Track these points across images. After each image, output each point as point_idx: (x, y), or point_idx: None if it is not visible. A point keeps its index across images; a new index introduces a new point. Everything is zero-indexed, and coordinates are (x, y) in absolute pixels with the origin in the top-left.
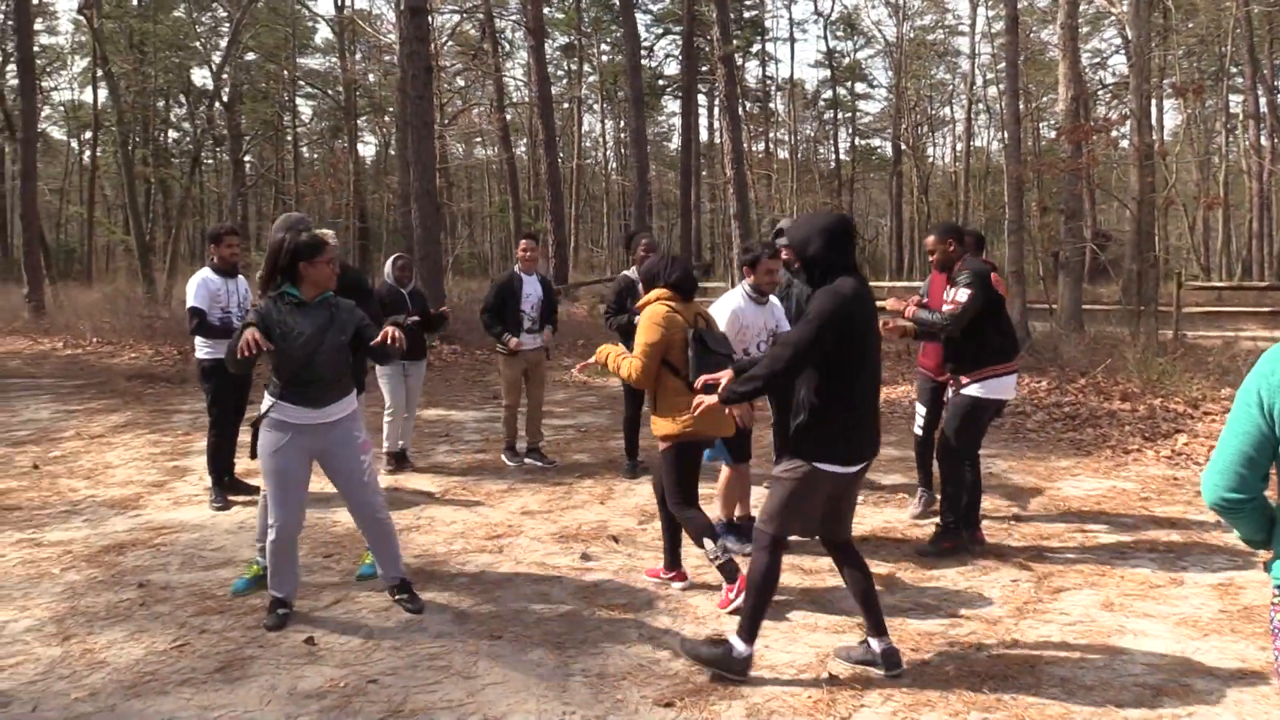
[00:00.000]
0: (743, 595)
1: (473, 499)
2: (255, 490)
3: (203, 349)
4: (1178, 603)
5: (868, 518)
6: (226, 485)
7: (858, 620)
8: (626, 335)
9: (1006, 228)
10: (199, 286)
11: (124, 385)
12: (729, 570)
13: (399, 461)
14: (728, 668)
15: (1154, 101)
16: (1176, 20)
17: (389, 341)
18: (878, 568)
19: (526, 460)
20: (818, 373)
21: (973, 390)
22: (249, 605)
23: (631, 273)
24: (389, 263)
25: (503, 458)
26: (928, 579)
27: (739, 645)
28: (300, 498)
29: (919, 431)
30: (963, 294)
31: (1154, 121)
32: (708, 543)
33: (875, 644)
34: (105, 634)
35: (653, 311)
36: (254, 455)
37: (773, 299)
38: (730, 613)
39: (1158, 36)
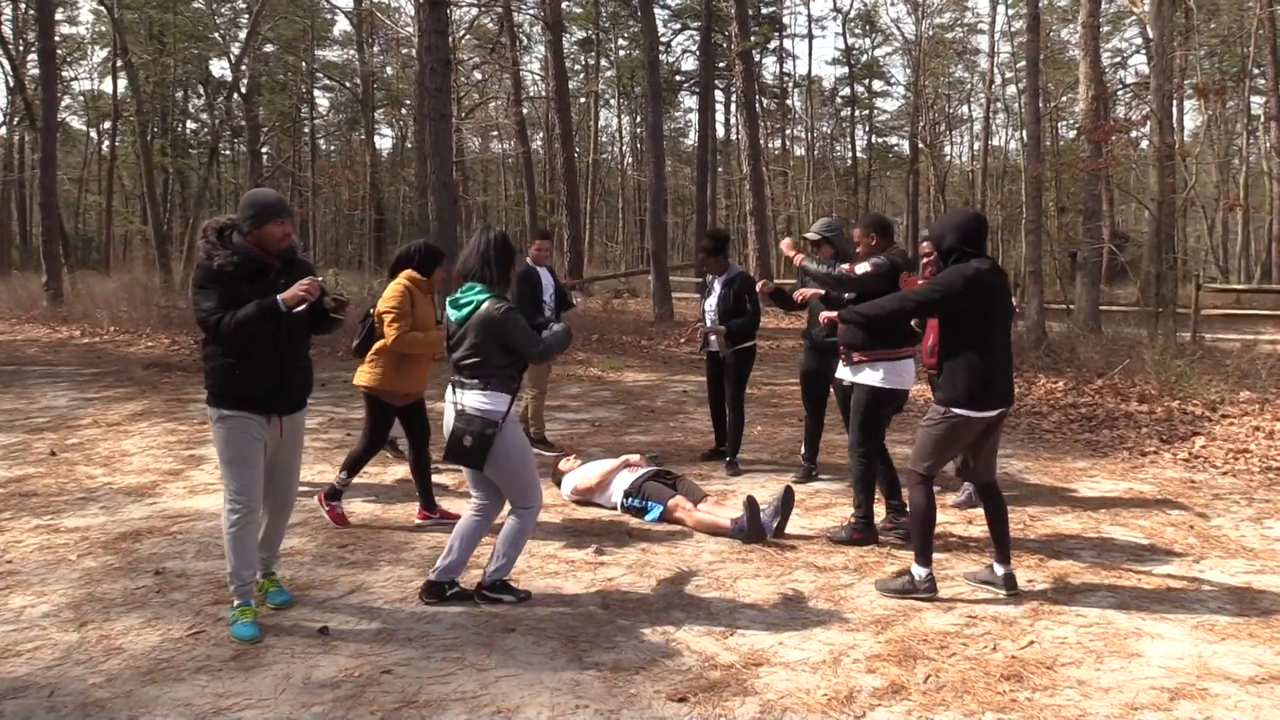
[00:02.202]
0: (911, 530)
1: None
2: None
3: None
4: (1195, 606)
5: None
6: None
7: (873, 617)
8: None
9: (1024, 227)
10: None
11: (141, 374)
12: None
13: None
14: (918, 591)
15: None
16: (1198, 20)
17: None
18: (893, 565)
19: (535, 449)
20: (954, 334)
21: (869, 379)
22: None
23: (708, 277)
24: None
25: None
26: (942, 577)
27: (919, 571)
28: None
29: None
30: (865, 265)
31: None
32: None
33: (999, 569)
34: (122, 620)
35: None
36: (481, 466)
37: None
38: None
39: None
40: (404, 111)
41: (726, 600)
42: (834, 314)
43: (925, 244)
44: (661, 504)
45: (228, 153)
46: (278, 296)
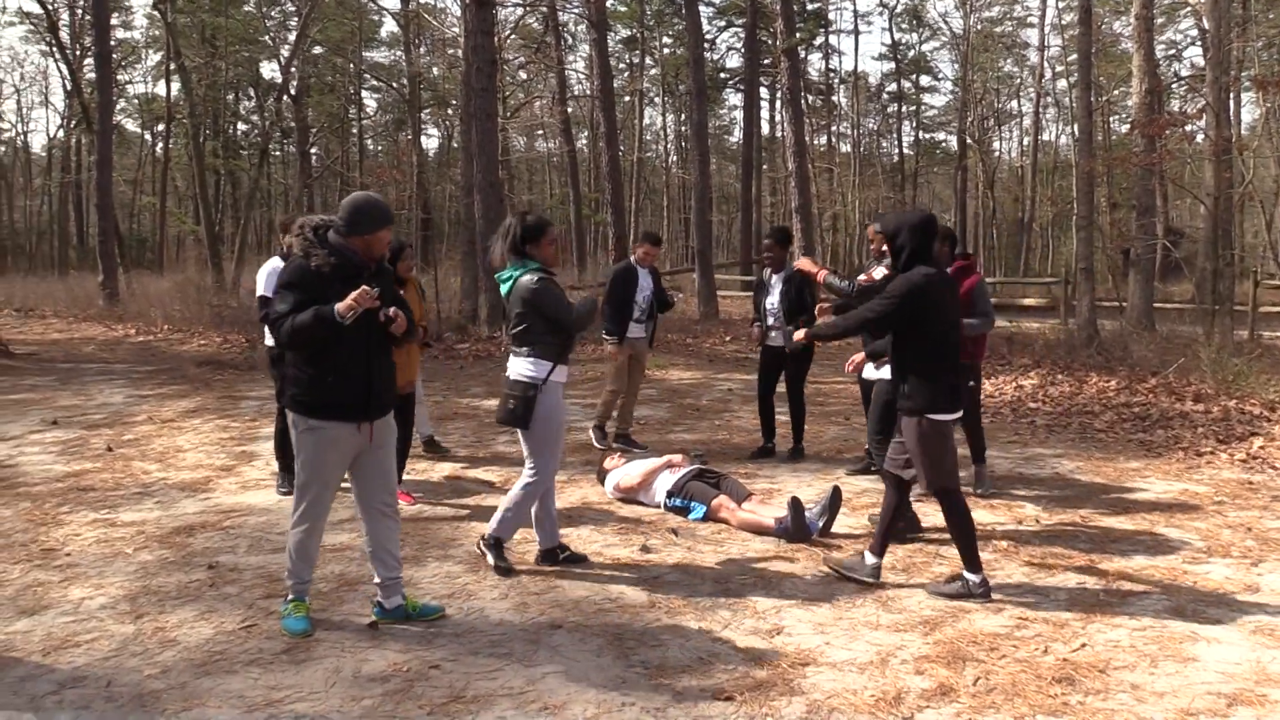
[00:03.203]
0: (956, 541)
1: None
2: None
3: (271, 337)
4: (1253, 610)
5: (931, 515)
6: (293, 470)
7: (921, 617)
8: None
9: (1075, 223)
10: (269, 276)
11: (194, 371)
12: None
13: (429, 448)
14: (973, 595)
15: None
16: (1256, 10)
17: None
18: (941, 566)
19: (615, 445)
20: (911, 342)
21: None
22: (314, 589)
23: (765, 274)
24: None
25: (590, 435)
26: (990, 578)
27: (972, 577)
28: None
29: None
30: (881, 269)
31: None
32: None
33: (971, 576)
34: (176, 613)
35: None
36: (525, 425)
37: None
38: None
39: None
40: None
41: (773, 599)
42: (802, 333)
43: (871, 229)
44: (705, 504)
45: (277, 153)
46: (334, 306)
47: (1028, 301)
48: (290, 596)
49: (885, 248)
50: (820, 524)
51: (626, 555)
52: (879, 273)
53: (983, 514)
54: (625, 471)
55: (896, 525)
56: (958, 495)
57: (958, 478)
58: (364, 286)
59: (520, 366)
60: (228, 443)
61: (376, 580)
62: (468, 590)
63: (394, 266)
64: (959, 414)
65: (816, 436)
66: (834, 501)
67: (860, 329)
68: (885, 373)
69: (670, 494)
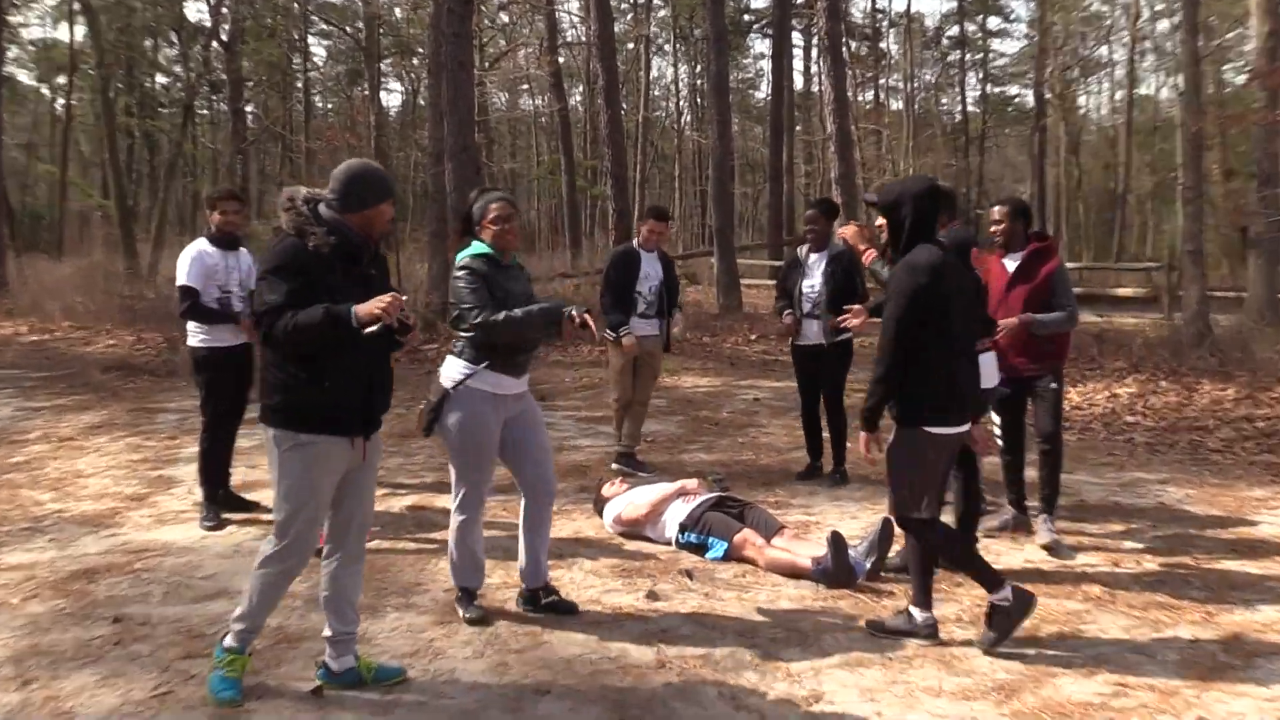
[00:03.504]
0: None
1: (516, 521)
2: (254, 506)
3: (196, 335)
4: None
5: (1003, 555)
6: (221, 500)
7: (994, 682)
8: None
9: (1180, 196)
10: (193, 261)
11: (100, 378)
12: None
13: None
14: (915, 633)
15: None
16: None
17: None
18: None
19: (615, 466)
20: (917, 338)
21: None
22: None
23: (801, 251)
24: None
25: (614, 467)
26: (1081, 633)
27: (919, 613)
28: (490, 477)
29: (999, 443)
30: None
31: None
32: None
33: (917, 614)
34: (73, 678)
35: None
36: (428, 433)
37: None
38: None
39: None
40: (416, 62)
41: (810, 658)
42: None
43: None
44: (726, 539)
45: (205, 112)
46: (352, 309)
47: (1123, 291)
48: (228, 643)
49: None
50: (867, 564)
51: (629, 603)
52: None
53: (1071, 550)
54: (629, 500)
55: (933, 566)
56: (933, 530)
57: (938, 508)
58: (394, 293)
59: (446, 366)
60: (140, 466)
61: (327, 634)
62: (435, 647)
63: None
64: (965, 429)
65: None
66: (884, 536)
67: (895, 366)
68: None
69: (683, 528)
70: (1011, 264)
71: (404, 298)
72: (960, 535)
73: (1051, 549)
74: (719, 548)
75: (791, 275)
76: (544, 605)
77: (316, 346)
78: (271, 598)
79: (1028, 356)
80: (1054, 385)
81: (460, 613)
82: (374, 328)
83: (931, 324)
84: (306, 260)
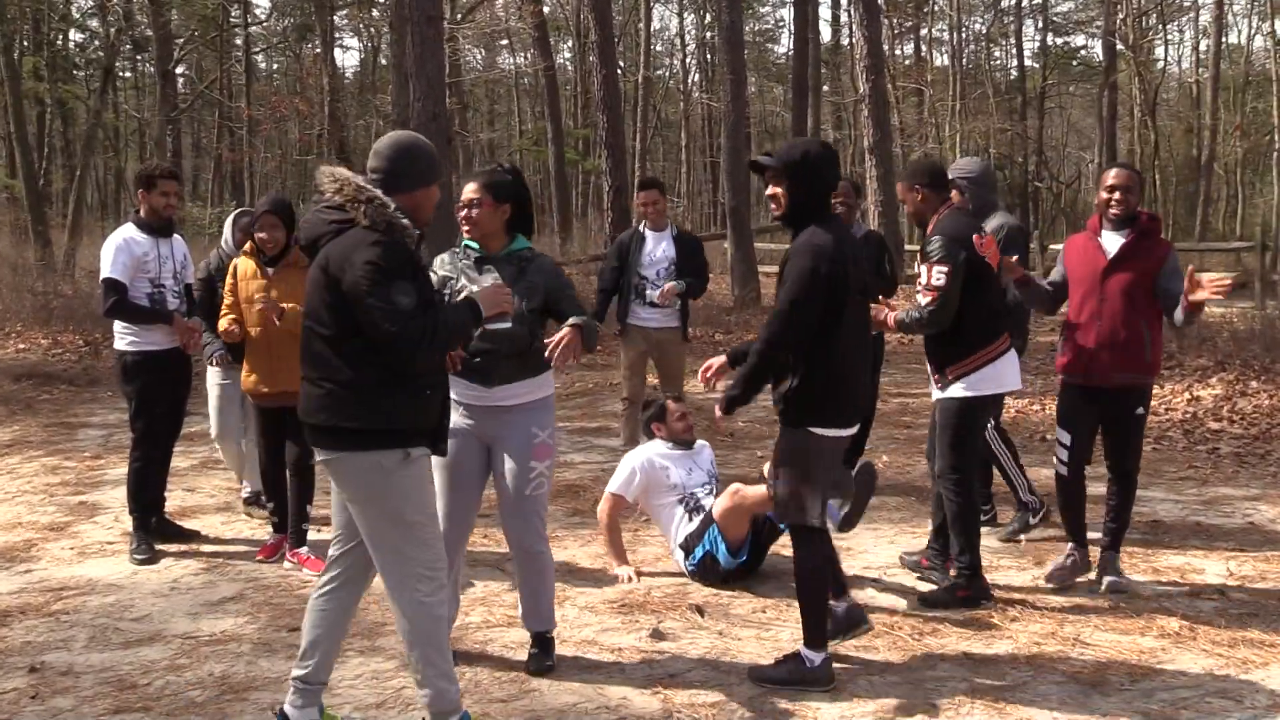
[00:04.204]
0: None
1: (499, 551)
2: (193, 536)
3: (125, 338)
4: None
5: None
6: (154, 529)
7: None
8: None
9: (1276, 163)
10: (118, 250)
11: (9, 389)
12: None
13: (249, 504)
14: (805, 681)
15: None
16: None
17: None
18: (1083, 652)
19: None
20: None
21: (957, 390)
22: (185, 698)
23: None
24: (228, 222)
25: None
26: (1157, 673)
27: (812, 655)
28: (469, 501)
29: (1062, 469)
30: (938, 274)
31: None
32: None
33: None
34: None
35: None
36: None
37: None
38: None
39: None
40: (376, 14)
41: (840, 704)
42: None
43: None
44: (713, 523)
45: (128, 75)
46: (478, 299)
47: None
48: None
49: (775, 193)
50: (841, 514)
51: (631, 644)
52: (939, 275)
53: (1143, 581)
54: (620, 476)
55: (825, 591)
56: (817, 541)
57: (823, 517)
58: (499, 281)
59: None
60: (59, 490)
61: (298, 674)
62: (404, 697)
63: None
64: (853, 430)
65: (902, 470)
66: (863, 482)
67: (769, 365)
68: (956, 390)
69: (687, 550)
70: (1112, 243)
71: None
72: (824, 567)
73: (1120, 589)
74: (715, 540)
75: None
76: (533, 656)
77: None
78: (445, 635)
79: (1116, 359)
80: (1140, 411)
81: None
82: (501, 325)
83: (830, 314)
84: (405, 257)
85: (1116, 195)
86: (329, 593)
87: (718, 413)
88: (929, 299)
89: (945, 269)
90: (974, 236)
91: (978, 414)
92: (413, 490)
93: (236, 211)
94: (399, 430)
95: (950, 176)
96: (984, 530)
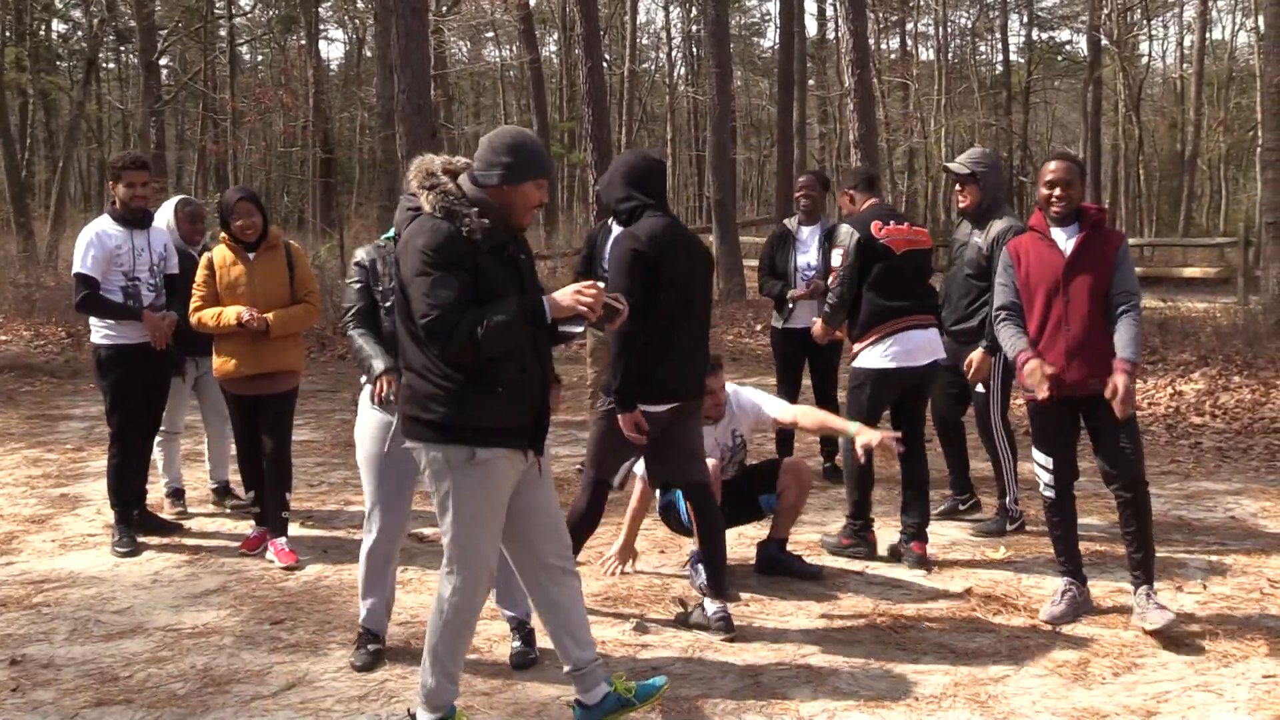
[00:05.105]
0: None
1: None
2: (175, 529)
3: (100, 331)
4: None
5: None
6: (136, 522)
7: None
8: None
9: (1259, 159)
10: (90, 244)
11: None
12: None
13: (220, 495)
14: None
15: None
16: None
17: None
18: (1064, 651)
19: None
20: (639, 315)
21: (859, 362)
22: (167, 691)
23: (792, 222)
24: (169, 208)
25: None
26: (1138, 667)
27: (709, 605)
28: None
29: (1048, 492)
30: (836, 255)
31: None
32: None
33: (709, 606)
34: None
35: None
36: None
37: None
38: None
39: None
40: (361, 5)
41: (823, 699)
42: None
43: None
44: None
45: (111, 66)
46: (548, 302)
47: (1190, 272)
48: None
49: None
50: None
51: (614, 637)
52: (836, 257)
53: (1125, 575)
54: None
55: (723, 543)
56: (595, 491)
57: (612, 472)
58: (592, 281)
59: None
60: (40, 482)
61: (569, 669)
62: (387, 689)
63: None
64: (668, 408)
65: (889, 464)
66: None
67: (632, 337)
68: (859, 362)
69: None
70: (1066, 239)
71: (600, 285)
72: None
73: (1166, 632)
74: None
75: (782, 251)
76: (516, 650)
77: (505, 348)
78: (465, 641)
79: (1089, 365)
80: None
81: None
82: (575, 327)
83: (648, 297)
84: (463, 247)
85: (1057, 192)
86: (535, 593)
87: (623, 421)
88: (832, 279)
89: (841, 250)
90: (874, 224)
91: (876, 386)
92: (471, 491)
93: (178, 200)
94: (469, 427)
95: (967, 170)
96: (961, 520)
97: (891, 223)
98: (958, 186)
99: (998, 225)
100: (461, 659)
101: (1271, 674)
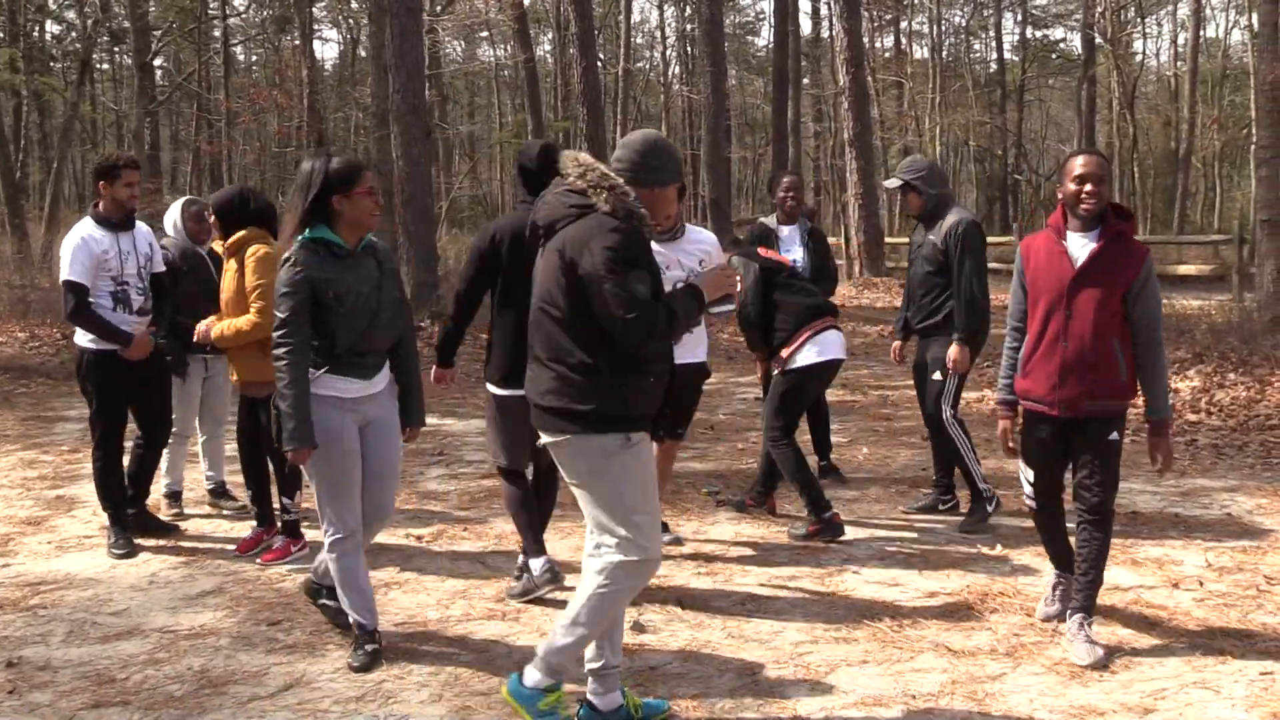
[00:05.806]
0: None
1: (478, 544)
2: (172, 530)
3: (86, 335)
4: None
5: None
6: (131, 523)
7: None
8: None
9: (1254, 156)
10: (77, 250)
11: None
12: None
13: (217, 497)
14: (532, 589)
15: None
16: None
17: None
18: (1057, 649)
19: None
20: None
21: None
22: (164, 692)
23: (771, 220)
24: (177, 208)
25: None
26: (1134, 664)
27: (533, 561)
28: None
29: (1030, 503)
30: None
31: None
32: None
33: (534, 564)
34: None
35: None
36: (276, 443)
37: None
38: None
39: None
40: (355, 5)
41: (820, 697)
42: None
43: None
44: None
45: (105, 67)
46: (700, 285)
47: (1185, 270)
48: (533, 681)
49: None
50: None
51: None
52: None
53: (1122, 573)
54: None
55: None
56: (514, 481)
57: (519, 460)
58: (724, 266)
59: None
60: (36, 484)
61: (593, 667)
62: (384, 690)
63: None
64: (513, 393)
65: (882, 463)
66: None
67: (457, 315)
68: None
69: None
70: (1080, 248)
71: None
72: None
73: (1096, 665)
74: None
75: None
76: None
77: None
78: (614, 614)
79: (1082, 386)
80: (1114, 436)
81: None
82: (725, 308)
83: (496, 287)
84: (645, 246)
85: (1088, 188)
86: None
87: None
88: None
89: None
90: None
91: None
92: (634, 473)
93: (184, 200)
94: (625, 415)
95: (901, 181)
96: (945, 519)
97: None
98: (902, 198)
99: (949, 219)
100: (590, 646)
101: (1268, 671)
